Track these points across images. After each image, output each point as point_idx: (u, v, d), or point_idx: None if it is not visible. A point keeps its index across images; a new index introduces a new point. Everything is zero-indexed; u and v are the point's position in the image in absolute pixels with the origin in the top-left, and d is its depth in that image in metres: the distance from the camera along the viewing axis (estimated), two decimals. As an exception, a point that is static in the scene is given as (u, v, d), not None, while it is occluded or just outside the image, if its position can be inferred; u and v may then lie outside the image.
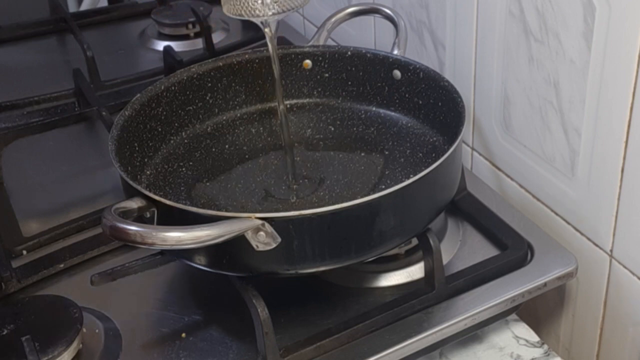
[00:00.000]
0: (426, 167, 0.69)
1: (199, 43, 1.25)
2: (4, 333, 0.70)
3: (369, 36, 1.13)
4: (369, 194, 0.66)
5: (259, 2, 0.74)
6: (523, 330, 0.80)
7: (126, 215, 0.66)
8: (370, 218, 0.67)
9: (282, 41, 1.22)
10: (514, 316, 0.81)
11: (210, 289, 0.79)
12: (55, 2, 1.33)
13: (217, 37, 1.26)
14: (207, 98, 0.90)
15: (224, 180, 0.83)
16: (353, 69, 0.91)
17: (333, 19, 0.94)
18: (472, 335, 0.79)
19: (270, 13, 0.75)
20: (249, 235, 0.64)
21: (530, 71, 0.83)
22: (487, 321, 0.77)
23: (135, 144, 0.82)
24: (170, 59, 1.13)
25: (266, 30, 0.77)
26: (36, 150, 1.02)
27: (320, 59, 0.92)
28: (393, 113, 0.90)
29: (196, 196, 0.81)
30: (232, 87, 0.91)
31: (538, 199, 0.88)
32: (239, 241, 0.64)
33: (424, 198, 0.71)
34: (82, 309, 0.73)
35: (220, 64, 0.90)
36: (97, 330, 0.74)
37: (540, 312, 0.92)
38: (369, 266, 0.79)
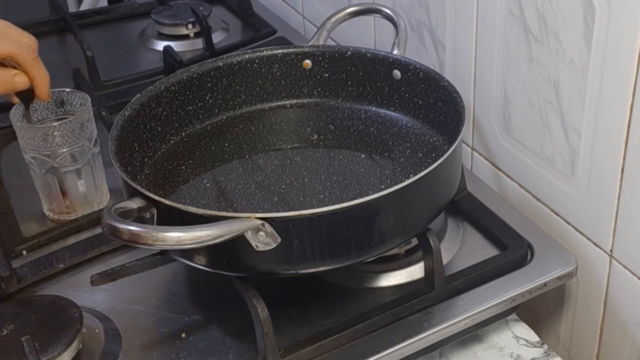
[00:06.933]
0: (426, 167, 0.69)
1: (199, 43, 1.25)
2: (4, 333, 0.70)
3: (369, 36, 1.13)
4: (368, 194, 0.66)
5: None
6: (523, 330, 0.80)
7: (126, 215, 0.66)
8: (370, 218, 0.67)
9: (282, 41, 1.22)
10: (514, 316, 0.81)
11: (210, 289, 0.79)
12: (55, 2, 1.33)
13: (217, 37, 1.26)
14: (207, 98, 0.90)
15: (223, 180, 0.83)
16: (353, 69, 0.91)
17: (333, 19, 0.94)
18: (472, 335, 0.79)
19: None
20: (249, 235, 0.64)
21: (530, 71, 0.83)
22: (487, 321, 0.77)
23: (135, 144, 0.82)
24: (170, 59, 1.13)
25: None
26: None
27: (320, 59, 0.92)
28: (393, 113, 0.90)
29: (196, 196, 0.81)
30: (232, 87, 0.91)
31: (538, 199, 0.88)
32: (239, 241, 0.64)
33: (424, 198, 0.71)
34: (82, 309, 0.73)
35: (220, 64, 0.90)
36: (97, 330, 0.74)
37: (540, 312, 0.92)
38: (369, 266, 0.79)
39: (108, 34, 1.33)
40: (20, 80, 0.79)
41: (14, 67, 0.79)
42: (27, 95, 0.82)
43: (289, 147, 0.89)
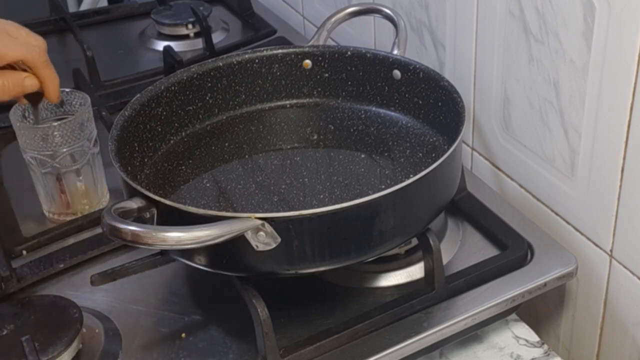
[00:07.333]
0: (426, 167, 0.69)
1: (199, 43, 1.25)
2: (4, 333, 0.70)
3: (369, 36, 1.13)
4: (368, 194, 0.66)
5: None
6: (523, 330, 0.80)
7: (126, 215, 0.66)
8: (370, 218, 0.67)
9: (282, 41, 1.22)
10: (514, 316, 0.81)
11: (210, 289, 0.79)
12: (55, 2, 1.33)
13: (217, 37, 1.26)
14: (207, 98, 0.90)
15: (223, 180, 0.83)
16: (353, 69, 0.91)
17: (333, 19, 0.94)
18: (472, 335, 0.79)
19: None
20: (249, 235, 0.64)
21: (530, 71, 0.83)
22: (487, 321, 0.77)
23: (135, 144, 0.82)
24: (170, 59, 1.13)
25: None
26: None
27: (320, 59, 0.92)
28: (393, 113, 0.90)
29: (196, 196, 0.81)
30: (232, 87, 0.91)
31: (538, 199, 0.88)
32: (239, 241, 0.64)
33: (424, 198, 0.71)
34: (82, 309, 0.73)
35: (220, 64, 0.90)
36: (97, 330, 0.74)
37: (540, 312, 0.92)
38: (369, 266, 0.79)
39: (108, 34, 1.33)
40: (30, 83, 0.79)
41: (24, 70, 0.79)
42: (36, 97, 0.82)
43: (289, 147, 0.89)
